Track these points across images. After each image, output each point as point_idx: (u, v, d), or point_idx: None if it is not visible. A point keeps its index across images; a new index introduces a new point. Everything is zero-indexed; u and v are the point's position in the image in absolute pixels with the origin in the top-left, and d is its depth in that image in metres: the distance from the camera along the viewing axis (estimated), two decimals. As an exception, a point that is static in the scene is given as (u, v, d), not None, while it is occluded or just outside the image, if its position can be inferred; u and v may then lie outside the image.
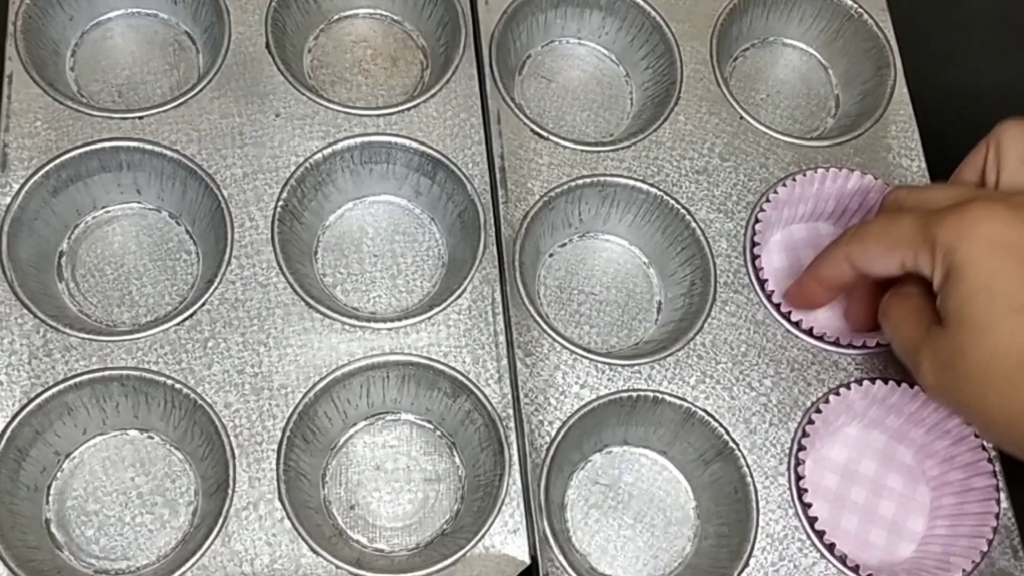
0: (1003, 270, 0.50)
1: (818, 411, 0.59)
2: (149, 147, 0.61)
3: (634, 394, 0.59)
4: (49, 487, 0.57)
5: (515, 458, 0.56)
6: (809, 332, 0.61)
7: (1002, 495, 0.58)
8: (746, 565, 0.56)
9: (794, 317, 0.61)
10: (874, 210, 0.65)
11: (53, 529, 0.56)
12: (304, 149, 0.62)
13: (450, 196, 0.63)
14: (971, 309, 0.50)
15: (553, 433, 0.57)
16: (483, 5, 0.68)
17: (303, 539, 0.54)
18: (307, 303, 0.59)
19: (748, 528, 0.57)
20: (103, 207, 0.63)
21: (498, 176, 0.63)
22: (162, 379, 0.56)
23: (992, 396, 0.50)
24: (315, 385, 0.57)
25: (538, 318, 0.60)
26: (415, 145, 0.63)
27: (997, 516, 0.57)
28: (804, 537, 0.57)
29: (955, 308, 0.51)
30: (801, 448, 0.58)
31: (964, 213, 0.51)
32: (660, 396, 0.59)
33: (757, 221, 0.64)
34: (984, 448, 0.58)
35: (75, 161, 0.60)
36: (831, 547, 0.56)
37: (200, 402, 0.56)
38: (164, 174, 0.62)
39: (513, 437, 0.57)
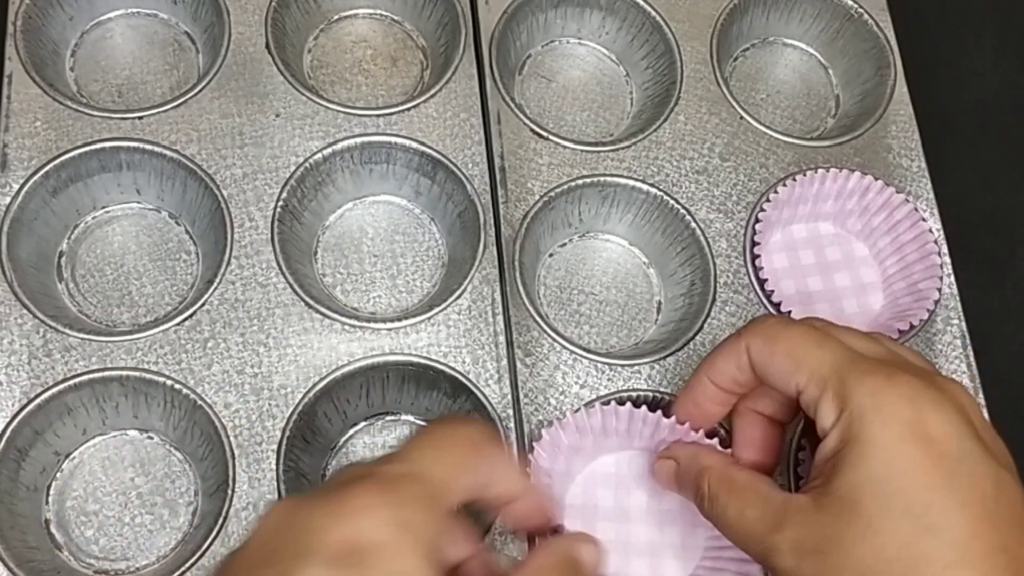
0: (912, 468, 0.42)
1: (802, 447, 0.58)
2: (149, 147, 0.61)
3: (634, 394, 0.59)
4: (49, 487, 0.57)
5: (515, 458, 0.56)
6: (809, 332, 0.61)
7: None
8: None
9: (794, 317, 0.61)
10: (872, 210, 0.65)
11: (53, 529, 0.56)
12: (304, 149, 0.62)
13: (450, 196, 0.63)
14: (866, 499, 0.42)
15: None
16: (483, 5, 0.68)
17: (303, 539, 0.54)
18: (307, 303, 0.59)
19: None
20: (103, 207, 0.63)
21: (498, 176, 0.63)
22: (162, 379, 0.56)
23: None
24: (315, 385, 0.57)
25: (538, 318, 0.60)
26: (415, 145, 0.63)
27: None
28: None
29: (847, 490, 0.43)
30: (801, 448, 0.58)
31: (891, 379, 0.44)
32: (660, 396, 0.59)
33: (757, 221, 0.64)
34: None
35: (75, 161, 0.60)
36: None
37: (200, 402, 0.56)
38: (164, 174, 0.62)
39: (513, 437, 0.57)
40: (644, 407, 0.55)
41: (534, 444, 0.55)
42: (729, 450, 0.52)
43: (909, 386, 0.43)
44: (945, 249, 0.64)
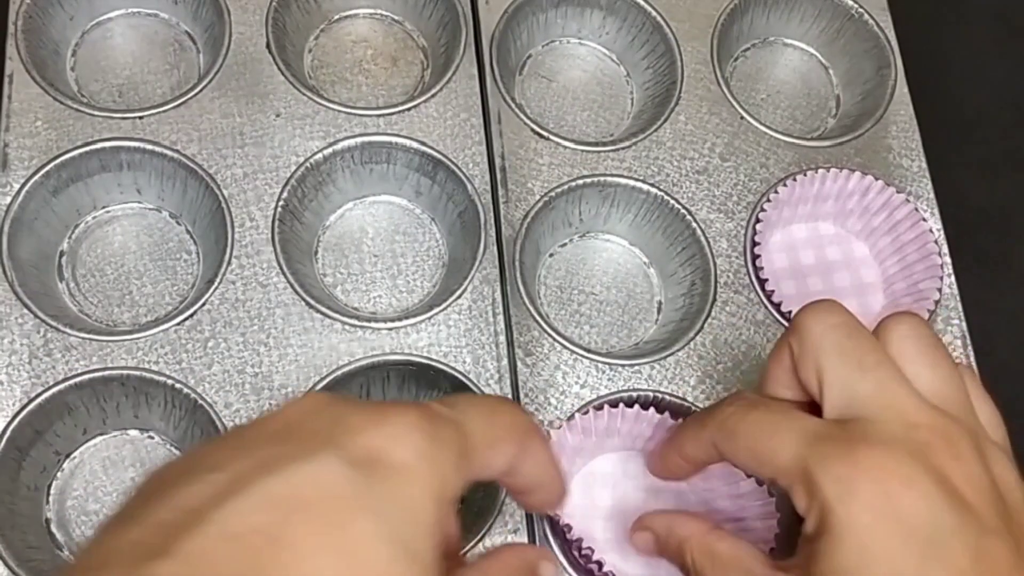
0: (884, 554, 0.40)
1: None
2: (149, 147, 0.61)
3: (634, 394, 0.59)
4: (49, 487, 0.57)
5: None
6: (809, 332, 0.61)
7: None
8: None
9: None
10: (872, 210, 0.65)
11: (53, 529, 0.56)
12: (304, 149, 0.62)
13: (450, 196, 0.63)
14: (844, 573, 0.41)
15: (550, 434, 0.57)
16: (483, 5, 0.68)
17: (303, 539, 0.54)
18: (307, 303, 0.59)
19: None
20: (103, 207, 0.63)
21: (498, 176, 0.63)
22: (162, 379, 0.56)
23: None
24: (315, 385, 0.57)
25: (538, 318, 0.60)
26: (415, 145, 0.63)
27: None
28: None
29: (827, 569, 0.41)
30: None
31: (852, 460, 0.41)
32: (660, 396, 0.59)
33: (758, 221, 0.64)
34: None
35: (75, 161, 0.60)
36: None
37: (200, 402, 0.56)
38: (164, 174, 0.62)
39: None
40: (652, 409, 0.55)
41: None
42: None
43: (875, 464, 0.41)
44: (945, 249, 0.65)
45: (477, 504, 0.57)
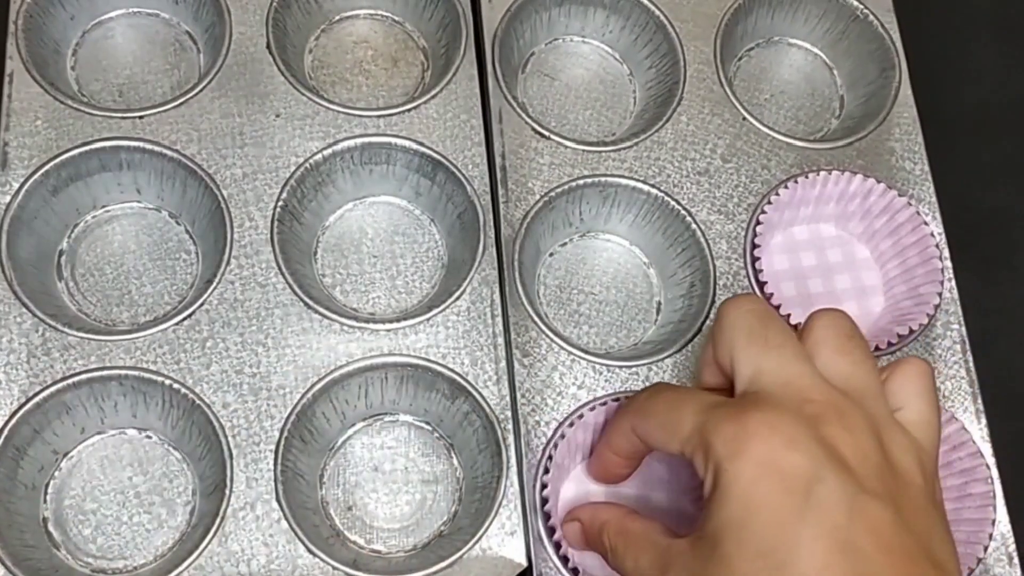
0: (765, 505, 0.42)
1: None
2: (149, 147, 0.61)
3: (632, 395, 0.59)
4: (47, 486, 0.57)
5: (513, 460, 0.56)
6: (808, 335, 0.61)
7: (999, 502, 0.58)
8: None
9: (793, 319, 0.61)
10: (874, 213, 0.64)
11: (50, 528, 0.56)
12: (304, 149, 0.62)
13: (450, 197, 0.63)
14: (726, 541, 0.43)
15: (550, 434, 0.57)
16: (486, 3, 0.67)
17: (300, 540, 0.54)
18: (306, 303, 0.59)
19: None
20: (103, 206, 0.63)
21: (499, 175, 0.63)
22: (160, 379, 0.56)
23: None
24: (313, 386, 0.57)
25: (536, 318, 0.60)
26: (415, 146, 0.63)
27: (993, 523, 0.56)
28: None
29: (711, 532, 0.43)
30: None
31: (742, 422, 0.44)
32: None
33: (758, 223, 0.63)
34: (981, 455, 0.58)
35: (75, 160, 0.60)
36: None
37: (198, 402, 0.56)
38: (164, 174, 0.62)
39: (511, 439, 0.57)
40: None
41: (557, 443, 0.56)
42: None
43: (762, 423, 0.43)
44: (947, 253, 0.64)
45: (475, 506, 0.57)
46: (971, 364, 0.62)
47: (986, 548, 0.56)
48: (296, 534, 0.54)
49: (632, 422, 0.51)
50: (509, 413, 0.57)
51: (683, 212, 0.63)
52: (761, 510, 0.42)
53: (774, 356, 0.46)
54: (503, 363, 0.58)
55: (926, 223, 0.63)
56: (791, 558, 0.41)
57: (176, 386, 0.56)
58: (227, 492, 0.55)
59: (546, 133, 0.65)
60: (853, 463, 0.43)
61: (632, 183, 0.64)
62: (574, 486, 0.59)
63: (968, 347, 0.62)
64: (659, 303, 0.65)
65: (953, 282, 0.64)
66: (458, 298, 0.60)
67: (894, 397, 0.48)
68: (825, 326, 0.49)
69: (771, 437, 0.43)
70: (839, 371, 0.47)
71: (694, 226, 0.63)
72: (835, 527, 0.41)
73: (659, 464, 0.58)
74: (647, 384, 0.59)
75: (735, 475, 0.43)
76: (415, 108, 0.64)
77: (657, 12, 0.69)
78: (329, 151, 0.62)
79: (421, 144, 0.63)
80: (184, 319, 0.58)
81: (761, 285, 0.62)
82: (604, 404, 0.57)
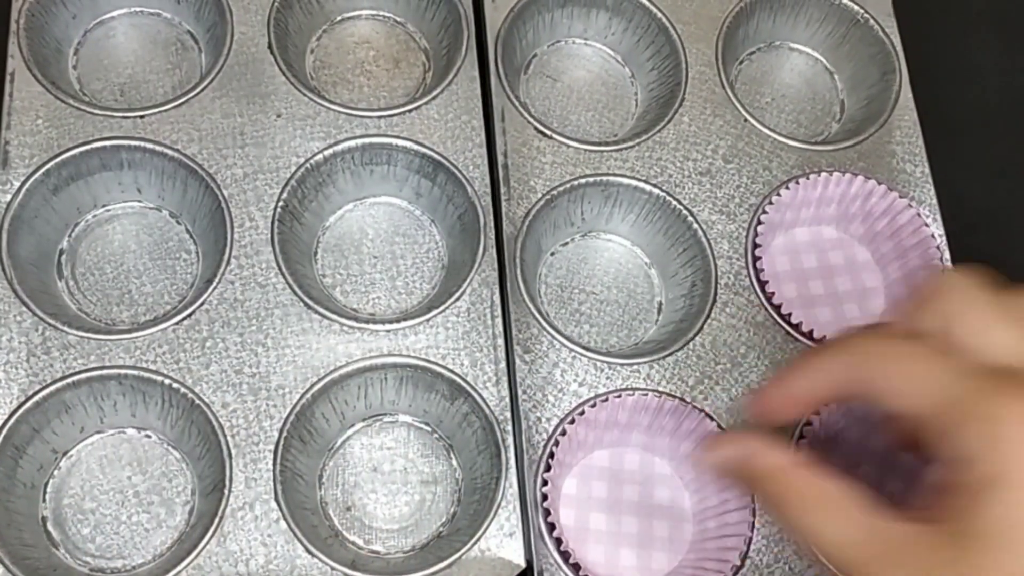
0: None
1: (816, 412, 0.58)
2: (150, 146, 0.61)
3: (634, 393, 0.58)
4: (46, 485, 0.57)
5: (512, 461, 0.56)
6: (809, 335, 0.61)
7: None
8: (741, 565, 0.56)
9: (794, 319, 0.61)
10: (874, 214, 0.64)
11: (49, 527, 0.56)
12: (305, 150, 0.62)
13: (450, 198, 0.63)
14: (996, 542, 0.38)
15: (551, 430, 0.57)
16: (489, 3, 0.67)
17: (299, 540, 0.54)
18: (306, 304, 0.59)
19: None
20: (103, 206, 0.63)
21: (500, 173, 0.63)
22: (160, 378, 0.56)
23: None
24: (313, 386, 0.57)
25: (538, 315, 0.60)
26: (416, 147, 0.63)
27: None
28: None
29: (994, 520, 0.38)
30: (802, 436, 0.58)
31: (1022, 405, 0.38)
32: (659, 395, 0.58)
33: (759, 223, 0.63)
34: None
35: (76, 159, 0.60)
36: None
37: (198, 402, 0.56)
38: (165, 173, 0.62)
39: (511, 440, 0.56)
40: (650, 394, 0.57)
41: (558, 439, 0.56)
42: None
43: None
44: (947, 255, 0.64)
45: (473, 507, 0.57)
46: (972, 364, 0.62)
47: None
48: (295, 534, 0.54)
49: (854, 363, 0.42)
50: (508, 414, 0.57)
51: (685, 212, 0.63)
52: None
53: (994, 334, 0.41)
54: (503, 364, 0.58)
55: (927, 225, 0.63)
56: None
57: (175, 386, 0.56)
58: (226, 492, 0.54)
59: (548, 132, 0.65)
60: None
61: (634, 183, 0.64)
62: (576, 482, 0.59)
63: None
64: (660, 303, 0.65)
65: (954, 283, 0.64)
66: (458, 299, 0.59)
67: None
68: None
69: None
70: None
71: (696, 226, 0.63)
72: None
73: (661, 459, 0.58)
74: (648, 382, 0.59)
75: (1017, 466, 0.38)
76: (416, 109, 0.64)
77: (659, 14, 0.69)
78: (330, 151, 0.62)
79: (422, 145, 0.63)
80: (184, 319, 0.58)
81: (763, 285, 0.62)
82: (605, 400, 0.57)
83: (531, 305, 0.60)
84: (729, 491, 0.56)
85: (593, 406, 0.57)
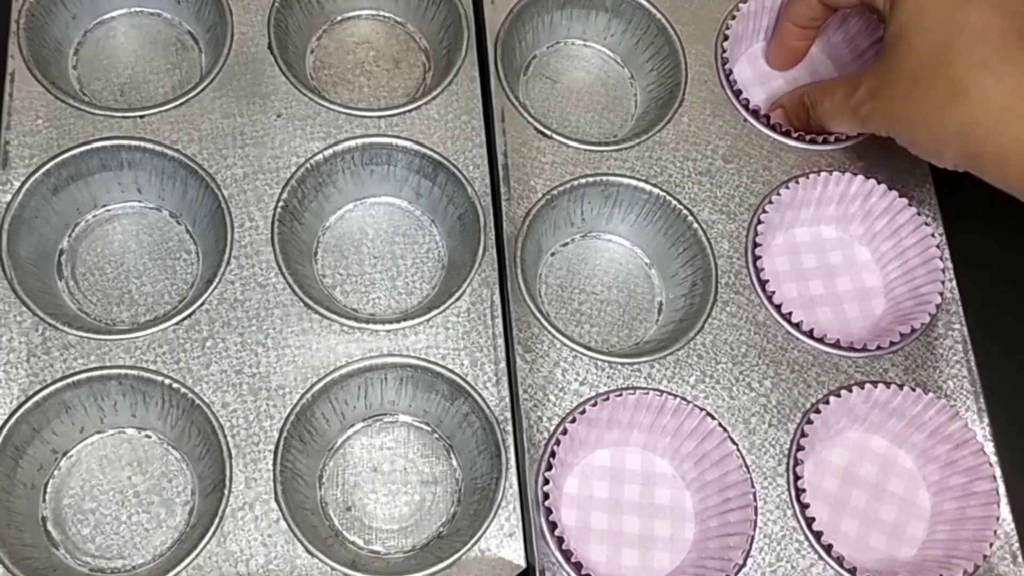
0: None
1: (817, 411, 0.58)
2: (150, 146, 0.61)
3: (635, 392, 0.58)
4: (46, 485, 0.57)
5: (512, 461, 0.56)
6: (809, 334, 0.61)
7: (1002, 500, 0.57)
8: (743, 564, 0.56)
9: (795, 319, 0.61)
10: (874, 214, 0.64)
11: (49, 527, 0.56)
12: (305, 150, 0.62)
13: (450, 198, 0.63)
14: (904, 28, 0.57)
15: (552, 429, 0.57)
16: (489, 5, 0.67)
17: (299, 540, 0.54)
18: (306, 304, 0.59)
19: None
20: (104, 206, 0.63)
21: (501, 173, 0.63)
22: (160, 378, 0.56)
23: (916, 101, 0.56)
24: (313, 386, 0.57)
25: (538, 315, 0.60)
26: (416, 147, 0.63)
27: (998, 520, 0.56)
28: (802, 538, 0.57)
29: (893, 32, 0.57)
30: (800, 448, 0.58)
31: None
32: (659, 394, 0.58)
33: (759, 223, 0.63)
34: (984, 452, 0.58)
35: (76, 159, 0.60)
36: (828, 548, 0.56)
37: (198, 402, 0.56)
38: (165, 173, 0.62)
39: (511, 440, 0.56)
40: (651, 393, 0.57)
41: (559, 438, 0.56)
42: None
43: None
44: (947, 253, 0.64)
45: (473, 507, 0.57)
46: (973, 363, 0.62)
47: (991, 546, 0.56)
48: (295, 534, 0.54)
49: None
50: (508, 414, 0.57)
51: (685, 212, 0.63)
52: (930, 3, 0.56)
53: None
54: (503, 364, 0.58)
55: (927, 224, 0.63)
56: (961, 20, 0.54)
57: (176, 386, 0.56)
58: (226, 492, 0.54)
59: (548, 132, 0.65)
60: None
61: (634, 182, 0.64)
62: (577, 482, 0.59)
63: (970, 346, 0.62)
64: (661, 303, 0.65)
65: (954, 282, 0.64)
66: (458, 299, 0.59)
67: None
68: None
69: None
70: None
71: (696, 225, 0.63)
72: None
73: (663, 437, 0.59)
74: (649, 381, 0.59)
75: None
76: (416, 109, 0.64)
77: (658, 15, 0.69)
78: (330, 151, 0.62)
79: (422, 145, 0.63)
80: (184, 319, 0.58)
81: (763, 284, 0.62)
82: (607, 399, 0.57)
83: (531, 305, 0.60)
84: (730, 490, 0.57)
85: (594, 405, 0.57)
